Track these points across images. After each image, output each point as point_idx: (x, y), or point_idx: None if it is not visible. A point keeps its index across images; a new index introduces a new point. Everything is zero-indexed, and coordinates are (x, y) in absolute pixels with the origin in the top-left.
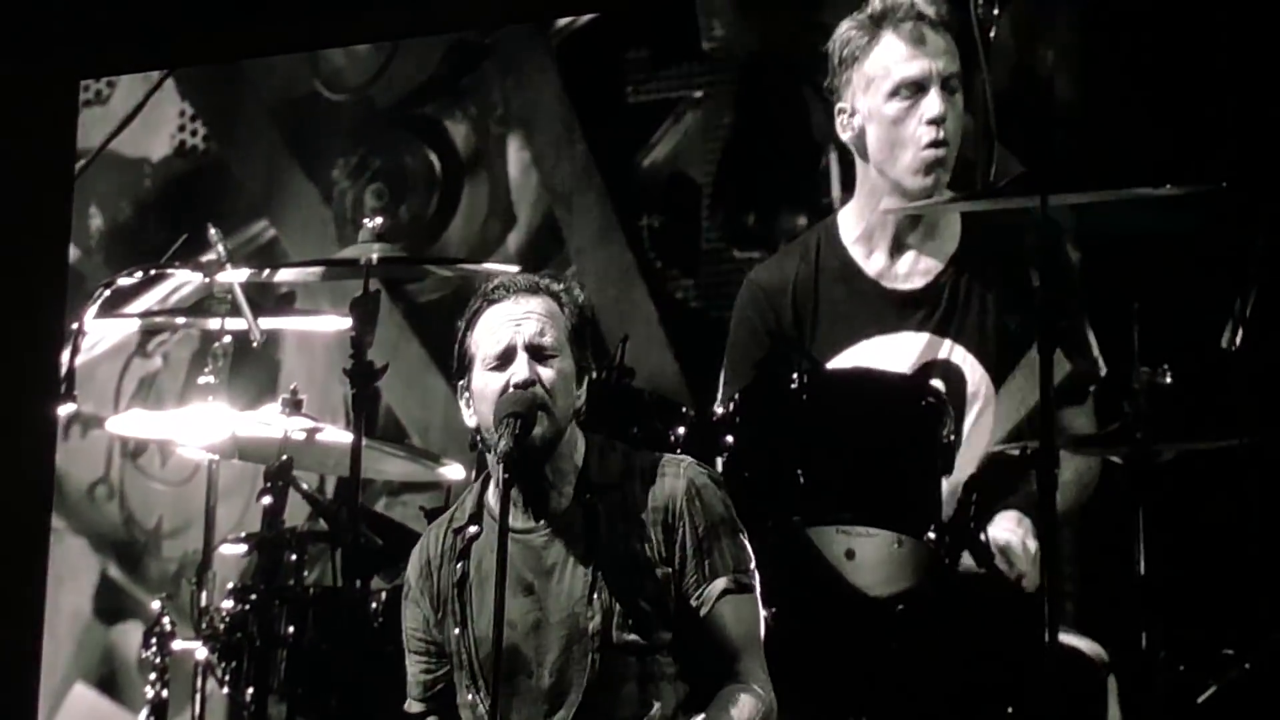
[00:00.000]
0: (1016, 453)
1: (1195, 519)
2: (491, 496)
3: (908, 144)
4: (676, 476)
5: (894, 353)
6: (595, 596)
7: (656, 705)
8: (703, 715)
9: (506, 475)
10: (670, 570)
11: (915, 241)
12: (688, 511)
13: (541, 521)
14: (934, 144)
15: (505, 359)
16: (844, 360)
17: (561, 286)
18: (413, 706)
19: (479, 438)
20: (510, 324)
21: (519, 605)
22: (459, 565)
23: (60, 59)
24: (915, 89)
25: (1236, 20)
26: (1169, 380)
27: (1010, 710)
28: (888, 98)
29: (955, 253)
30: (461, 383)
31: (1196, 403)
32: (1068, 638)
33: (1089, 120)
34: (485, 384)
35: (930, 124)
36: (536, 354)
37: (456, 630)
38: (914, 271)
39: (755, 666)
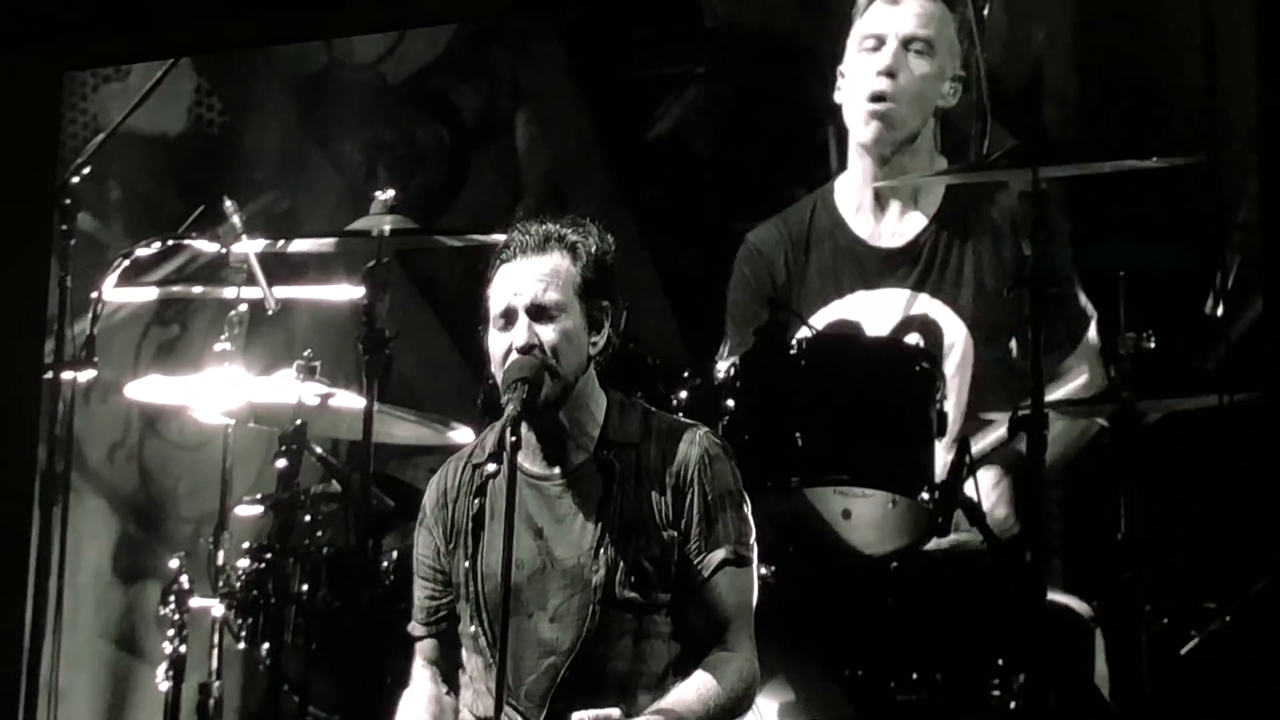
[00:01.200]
0: (1005, 417)
1: (1178, 479)
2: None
3: (858, 95)
4: (691, 444)
5: (877, 307)
6: (601, 551)
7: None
8: (696, 675)
9: (514, 438)
10: (675, 534)
11: (899, 202)
12: (698, 479)
13: (558, 470)
14: (876, 97)
15: (508, 320)
16: (830, 314)
17: (578, 236)
18: (416, 629)
19: (484, 390)
20: (513, 285)
21: (528, 547)
22: (475, 501)
23: (47, 50)
24: (877, 42)
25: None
26: (1153, 345)
27: (1001, 663)
28: (856, 52)
29: (936, 213)
30: (484, 336)
31: (1180, 366)
32: (1056, 594)
33: (1079, 95)
34: (492, 343)
35: (878, 75)
36: (538, 314)
37: (466, 563)
38: (897, 231)
39: (744, 635)
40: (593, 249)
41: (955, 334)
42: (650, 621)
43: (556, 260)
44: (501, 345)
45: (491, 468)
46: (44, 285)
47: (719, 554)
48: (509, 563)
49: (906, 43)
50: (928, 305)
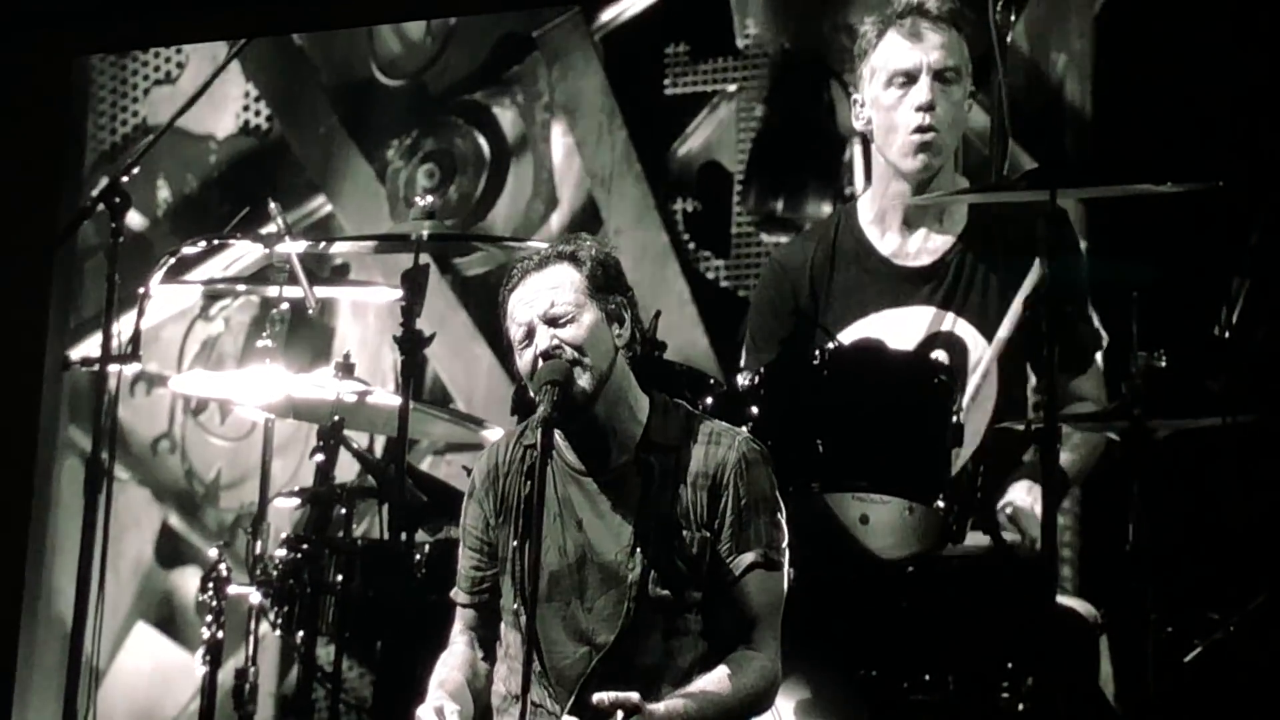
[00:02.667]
0: (1021, 428)
1: (1186, 493)
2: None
3: (899, 129)
4: (731, 447)
5: (903, 325)
6: (638, 550)
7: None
8: (717, 670)
9: (546, 440)
10: (708, 535)
11: (926, 222)
12: (734, 482)
13: (600, 467)
14: (920, 129)
15: (530, 335)
16: (856, 331)
17: (573, 248)
18: (459, 596)
19: (515, 392)
20: (524, 305)
21: (571, 536)
22: (527, 481)
23: (56, 36)
24: (907, 78)
25: (1236, 32)
26: (1164, 364)
27: (1010, 666)
28: (884, 87)
29: (962, 233)
30: (512, 360)
31: (1190, 386)
32: (1064, 600)
33: (1096, 120)
34: (521, 363)
35: (918, 110)
36: (554, 321)
37: (514, 542)
38: (923, 250)
39: (769, 637)
40: (592, 253)
41: (980, 351)
42: (681, 619)
43: (560, 270)
44: (529, 359)
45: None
46: (48, 261)
47: (749, 556)
48: (536, 558)
49: (938, 74)
50: (953, 323)
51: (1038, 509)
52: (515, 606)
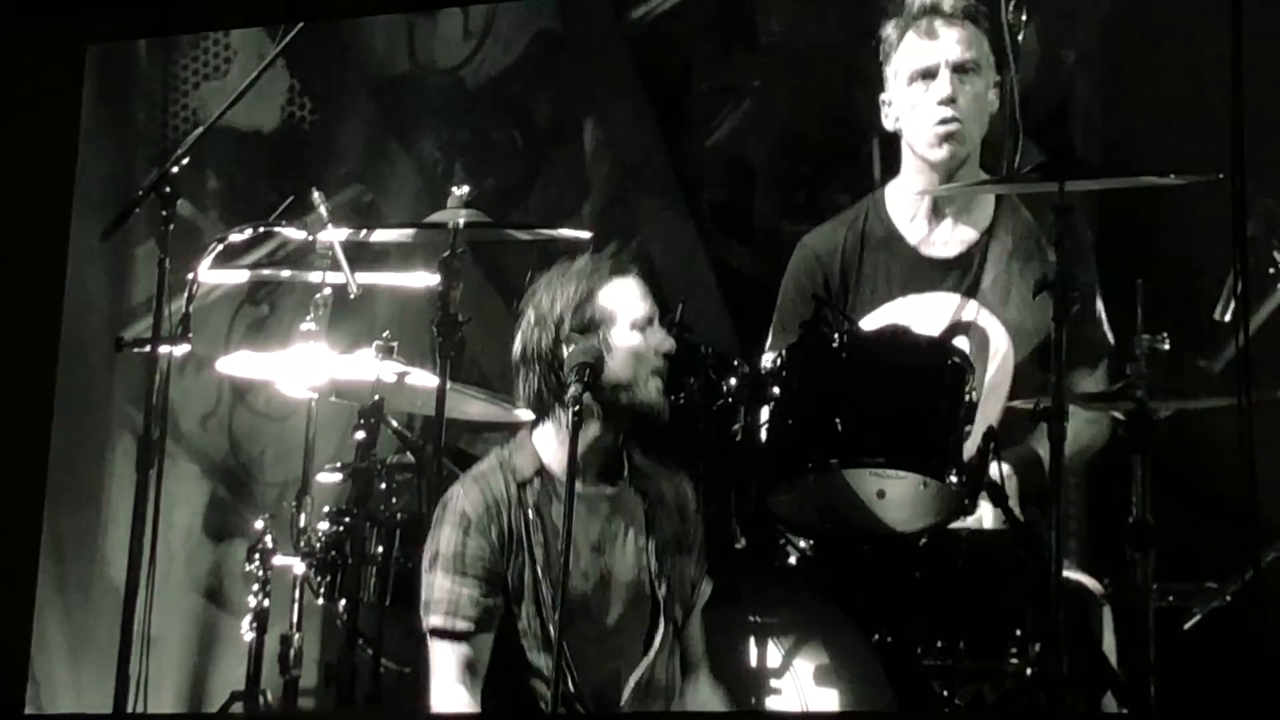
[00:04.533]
0: (1030, 407)
1: (1185, 470)
2: (549, 455)
3: (925, 123)
4: (685, 481)
5: (928, 311)
6: (661, 570)
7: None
8: (707, 681)
9: (578, 418)
10: (696, 558)
11: (952, 214)
12: (697, 515)
13: (606, 490)
14: (944, 120)
15: (650, 321)
16: (882, 316)
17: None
18: (459, 625)
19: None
20: (645, 298)
21: (590, 560)
22: (531, 513)
23: (68, 22)
24: (927, 75)
25: (1235, 30)
26: (1167, 347)
27: (1018, 633)
28: (908, 85)
29: (988, 226)
30: (551, 349)
31: (1190, 368)
32: (1070, 572)
33: (1104, 115)
34: (631, 340)
35: (940, 104)
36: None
37: (533, 571)
38: (950, 240)
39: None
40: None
41: (999, 341)
42: (671, 636)
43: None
44: (642, 342)
45: (538, 483)
46: (63, 250)
47: (708, 588)
48: (567, 563)
49: (958, 68)
50: (976, 313)
51: (1009, 485)
52: (534, 628)
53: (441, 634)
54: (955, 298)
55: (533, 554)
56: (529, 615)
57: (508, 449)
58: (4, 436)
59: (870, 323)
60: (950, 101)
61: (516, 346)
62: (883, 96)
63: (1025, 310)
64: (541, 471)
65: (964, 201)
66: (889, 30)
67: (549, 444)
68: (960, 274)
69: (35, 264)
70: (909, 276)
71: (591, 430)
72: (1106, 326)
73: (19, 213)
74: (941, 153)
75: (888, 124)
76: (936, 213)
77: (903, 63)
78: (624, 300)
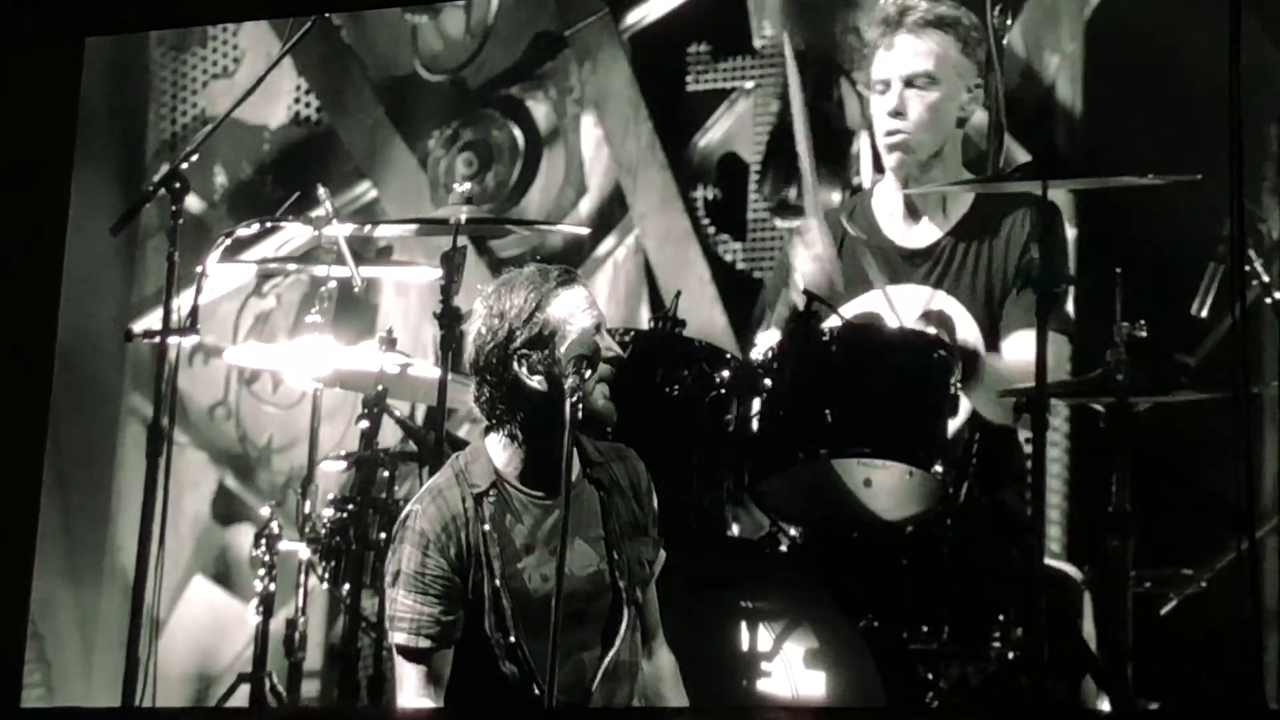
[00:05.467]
0: (1013, 399)
1: (1162, 461)
2: (501, 461)
3: (878, 132)
4: (635, 459)
5: (900, 300)
6: (617, 558)
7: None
8: (662, 648)
9: (576, 402)
10: (656, 538)
11: (928, 211)
12: (649, 492)
13: (556, 488)
14: (889, 132)
15: (597, 328)
16: (857, 305)
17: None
18: (420, 642)
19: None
20: (591, 307)
21: (546, 561)
22: (486, 527)
23: (66, 17)
24: (884, 86)
25: (1211, 36)
26: (1144, 334)
27: (1001, 618)
28: (873, 94)
29: (959, 221)
30: (539, 354)
31: (1167, 361)
32: (1052, 560)
33: (1086, 117)
34: (580, 339)
35: (889, 115)
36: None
37: (494, 584)
38: (924, 232)
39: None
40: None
41: (968, 330)
42: (634, 617)
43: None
44: (594, 341)
45: (494, 494)
46: (60, 248)
47: (663, 555)
48: (561, 565)
49: (909, 81)
50: (945, 302)
51: None
52: (512, 640)
53: (404, 651)
54: (926, 289)
55: (490, 567)
56: (490, 626)
57: (463, 459)
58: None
59: (848, 312)
60: (897, 114)
61: (469, 354)
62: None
63: (993, 302)
64: (497, 482)
65: (939, 201)
66: (871, 37)
67: (501, 453)
68: (931, 265)
69: (31, 258)
70: (884, 268)
71: (540, 439)
72: (1071, 312)
73: (17, 209)
74: (892, 160)
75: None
76: (911, 209)
77: (870, 73)
78: (572, 311)
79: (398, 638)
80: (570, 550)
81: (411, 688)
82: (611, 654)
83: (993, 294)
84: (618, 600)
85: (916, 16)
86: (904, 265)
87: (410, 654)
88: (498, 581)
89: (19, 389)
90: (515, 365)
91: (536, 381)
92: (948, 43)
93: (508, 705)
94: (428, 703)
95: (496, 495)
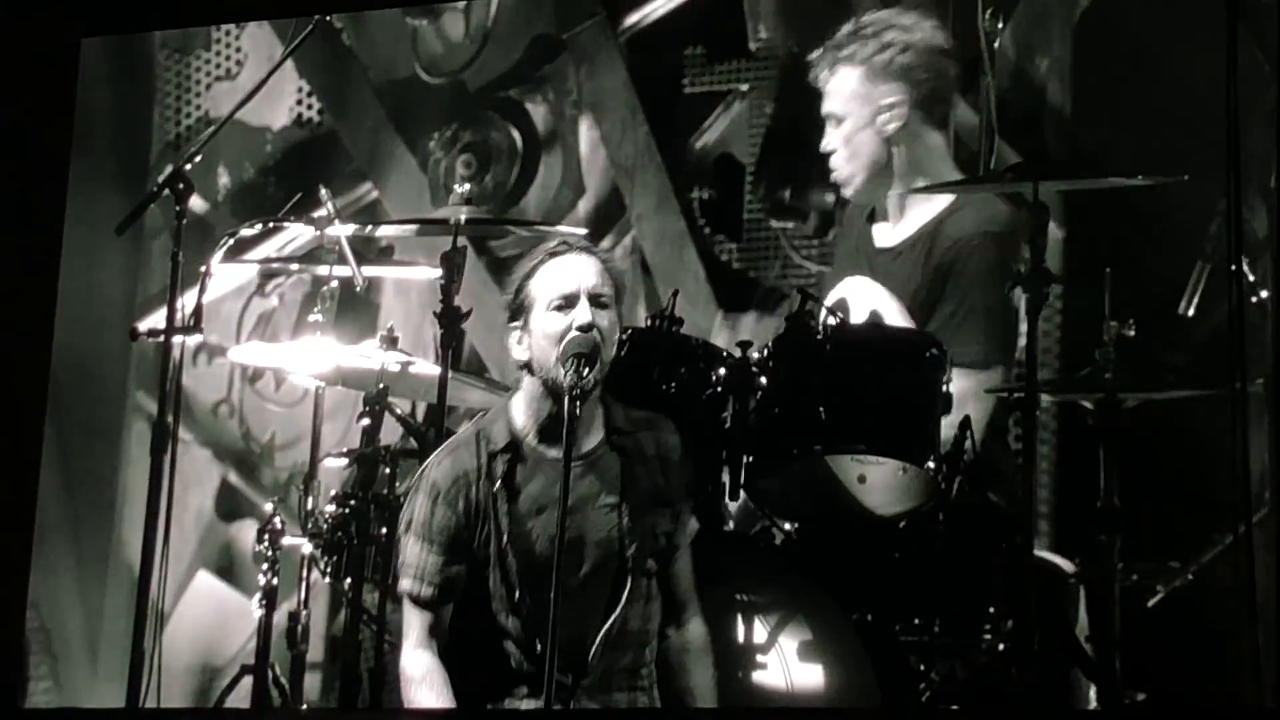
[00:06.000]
0: (1005, 395)
1: (1150, 456)
2: (520, 422)
3: None
4: (672, 432)
5: (872, 292)
6: (631, 527)
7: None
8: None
9: (571, 407)
10: (671, 510)
11: (910, 213)
12: (681, 462)
13: (576, 452)
14: (831, 169)
15: (569, 302)
16: (838, 292)
17: (607, 255)
18: (424, 590)
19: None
20: (572, 273)
21: (556, 522)
22: (499, 484)
23: (62, 18)
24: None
25: (1198, 41)
26: (1133, 333)
27: (992, 610)
28: None
29: (934, 218)
30: (517, 324)
31: (1155, 359)
32: (1042, 553)
33: (1075, 119)
34: (547, 324)
35: (824, 154)
36: (596, 301)
37: (500, 540)
38: (903, 228)
39: (696, 596)
40: (616, 268)
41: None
42: (651, 586)
43: (599, 264)
44: (558, 323)
45: (509, 456)
46: (57, 245)
47: (694, 525)
48: (562, 534)
49: (829, 119)
50: (880, 294)
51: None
52: (516, 596)
53: (409, 598)
54: (867, 281)
55: (498, 523)
56: (495, 581)
57: (487, 418)
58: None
59: (828, 303)
60: (826, 155)
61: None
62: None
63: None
64: (514, 442)
65: (920, 205)
66: None
67: (521, 414)
68: (890, 263)
69: (33, 258)
70: (864, 264)
71: (547, 406)
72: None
73: (18, 210)
74: (846, 192)
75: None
76: (899, 213)
77: None
78: (545, 284)
79: (403, 583)
80: (583, 515)
81: (414, 638)
82: (612, 621)
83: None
84: (623, 568)
85: (828, 58)
86: (879, 259)
87: (413, 600)
88: (505, 539)
89: (18, 389)
90: (506, 336)
91: (520, 353)
92: (849, 75)
93: (509, 662)
94: (427, 656)
95: (512, 456)
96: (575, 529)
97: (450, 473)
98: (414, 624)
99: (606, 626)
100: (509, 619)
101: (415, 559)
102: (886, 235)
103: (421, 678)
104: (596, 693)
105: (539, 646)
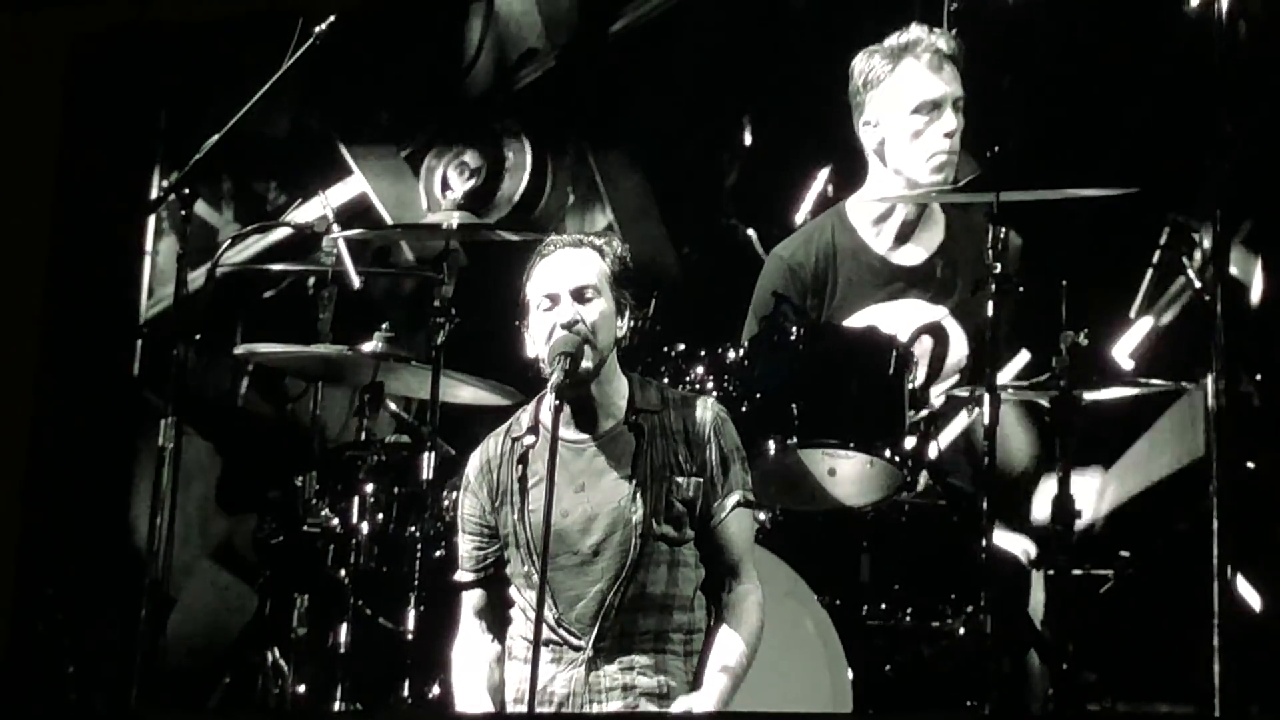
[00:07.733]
0: (965, 393)
1: (1103, 451)
2: (544, 413)
3: (925, 150)
4: (705, 409)
5: (898, 316)
6: (638, 495)
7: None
8: (725, 634)
9: (558, 403)
10: (700, 481)
11: (917, 228)
12: (714, 436)
13: (590, 436)
14: (948, 151)
15: (553, 301)
16: (857, 320)
17: (602, 241)
18: (465, 576)
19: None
20: (556, 272)
21: (573, 499)
22: (519, 467)
23: (48, 16)
24: (933, 107)
25: (1156, 62)
26: (1086, 342)
27: (953, 596)
28: (910, 113)
29: (944, 238)
30: (522, 324)
31: (1106, 362)
32: (1001, 540)
33: (1036, 134)
34: (538, 324)
35: (946, 136)
36: (579, 296)
37: (515, 517)
38: (915, 249)
39: (751, 565)
40: (617, 251)
41: (959, 341)
42: (679, 553)
43: (589, 255)
44: (547, 323)
45: (530, 439)
46: (42, 242)
47: (735, 496)
48: (549, 511)
49: (955, 104)
50: (939, 314)
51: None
52: (525, 569)
53: (455, 585)
54: (922, 303)
55: (513, 502)
56: (514, 558)
57: (522, 410)
58: None
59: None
60: (951, 135)
61: None
62: (865, 118)
63: (979, 314)
64: (536, 426)
65: (924, 219)
66: (875, 61)
67: (544, 401)
68: (925, 281)
69: (23, 255)
70: (879, 284)
71: (571, 390)
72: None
73: (20, 211)
74: (938, 178)
75: (868, 144)
76: (903, 228)
77: (903, 89)
78: (534, 286)
79: (454, 573)
80: (596, 490)
81: (463, 619)
82: (619, 584)
83: (978, 306)
84: (632, 532)
85: (948, 45)
86: (897, 281)
87: (456, 587)
88: (515, 518)
89: (9, 392)
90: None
91: (530, 350)
92: (959, 76)
93: (525, 627)
94: (474, 632)
95: (534, 439)
96: (588, 504)
97: (477, 464)
98: (462, 607)
99: (613, 590)
100: (524, 591)
101: (460, 549)
102: (894, 252)
103: (463, 663)
104: (616, 654)
105: (550, 611)
